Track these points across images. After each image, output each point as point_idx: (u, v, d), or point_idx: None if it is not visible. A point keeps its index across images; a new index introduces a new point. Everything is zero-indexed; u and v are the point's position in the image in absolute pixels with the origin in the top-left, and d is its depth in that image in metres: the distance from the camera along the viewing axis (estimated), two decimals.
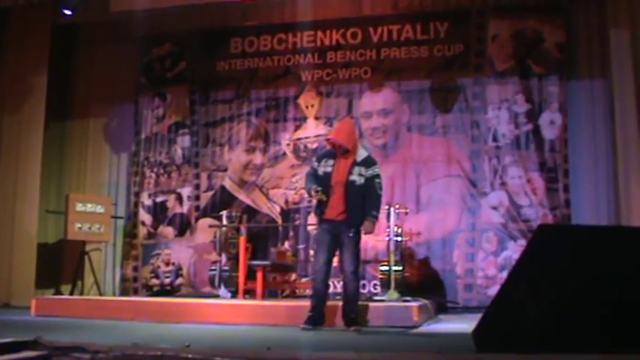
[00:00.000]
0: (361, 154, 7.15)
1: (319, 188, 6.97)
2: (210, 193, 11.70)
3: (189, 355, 3.54)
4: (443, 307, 9.80)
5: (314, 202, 7.30)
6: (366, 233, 6.98)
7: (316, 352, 3.95)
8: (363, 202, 6.96)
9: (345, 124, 7.78)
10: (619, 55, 10.04)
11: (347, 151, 7.08)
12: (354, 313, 7.03)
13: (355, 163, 7.04)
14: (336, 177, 7.03)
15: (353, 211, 6.95)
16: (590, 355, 3.56)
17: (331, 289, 9.36)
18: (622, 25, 10.08)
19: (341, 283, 7.54)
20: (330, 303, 7.32)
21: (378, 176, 7.07)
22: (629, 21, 10.01)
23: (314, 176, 7.20)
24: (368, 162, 7.11)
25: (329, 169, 7.10)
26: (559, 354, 3.66)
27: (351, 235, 6.92)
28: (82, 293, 11.03)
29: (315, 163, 7.30)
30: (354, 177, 6.98)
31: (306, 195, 10.48)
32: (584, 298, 3.82)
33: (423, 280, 10.23)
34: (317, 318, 7.00)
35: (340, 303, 7.21)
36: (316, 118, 11.26)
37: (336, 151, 7.16)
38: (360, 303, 7.44)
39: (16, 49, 11.54)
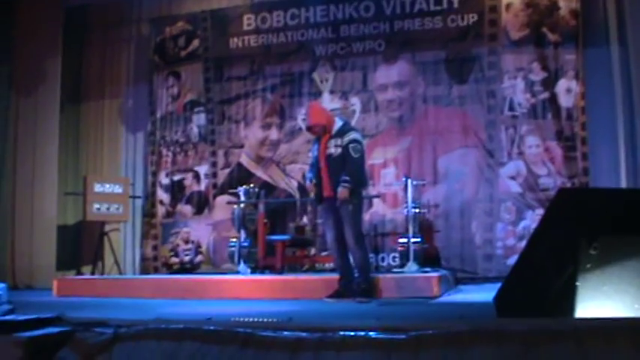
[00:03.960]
0: (336, 126, 7.18)
1: (312, 179, 7.20)
2: (227, 171, 11.72)
3: (212, 327, 3.56)
4: (459, 277, 9.80)
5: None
6: (341, 200, 6.93)
7: (337, 320, 3.97)
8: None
9: (312, 107, 7.68)
10: (635, 20, 9.94)
11: (325, 130, 7.14)
12: (364, 283, 7.04)
13: (331, 137, 7.10)
14: (320, 156, 7.15)
15: (335, 183, 6.99)
16: (612, 318, 3.54)
17: None
18: None
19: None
20: None
21: (353, 141, 7.04)
22: None
23: (310, 165, 7.42)
24: (342, 131, 7.13)
25: (316, 153, 7.25)
26: (580, 318, 3.64)
27: (339, 205, 6.93)
28: (102, 274, 11.09)
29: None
30: (331, 150, 7.06)
31: None
32: (605, 262, 3.79)
33: (442, 252, 10.21)
34: (341, 291, 7.04)
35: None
36: (331, 92, 11.21)
37: (319, 135, 7.23)
38: (379, 275, 7.49)
39: (28, 32, 11.54)
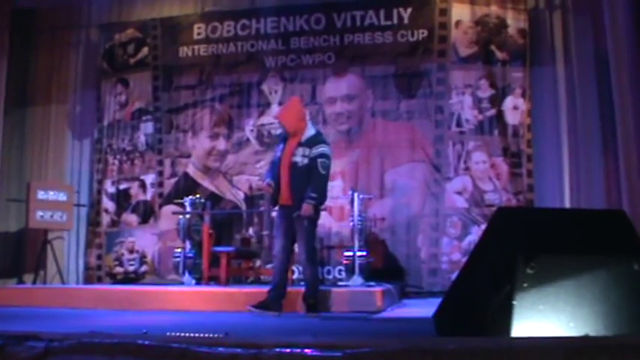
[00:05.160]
0: (307, 133, 7.00)
1: (271, 182, 6.95)
2: (173, 180, 11.61)
3: (146, 342, 3.50)
4: (405, 292, 9.84)
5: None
6: (304, 216, 6.82)
7: (273, 336, 3.94)
8: (307, 184, 6.82)
9: (289, 104, 7.49)
10: (580, 40, 10.14)
11: (289, 133, 6.99)
12: (312, 298, 6.99)
13: (299, 144, 6.92)
14: (284, 160, 6.95)
15: (296, 194, 6.84)
16: (548, 337, 3.56)
17: (296, 275, 9.43)
18: (583, 11, 10.17)
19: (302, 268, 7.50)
20: (294, 290, 7.32)
21: (322, 155, 6.86)
22: (589, 7, 10.08)
23: (271, 163, 7.21)
24: (313, 141, 6.94)
25: (279, 154, 7.07)
26: (516, 337, 3.66)
27: (296, 218, 6.83)
28: (44, 283, 10.90)
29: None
30: (297, 158, 6.86)
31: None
32: (541, 281, 3.82)
33: (388, 265, 10.24)
34: (267, 303, 6.91)
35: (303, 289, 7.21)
36: (280, 104, 11.14)
37: (285, 134, 7.11)
38: (323, 288, 7.48)
39: None
